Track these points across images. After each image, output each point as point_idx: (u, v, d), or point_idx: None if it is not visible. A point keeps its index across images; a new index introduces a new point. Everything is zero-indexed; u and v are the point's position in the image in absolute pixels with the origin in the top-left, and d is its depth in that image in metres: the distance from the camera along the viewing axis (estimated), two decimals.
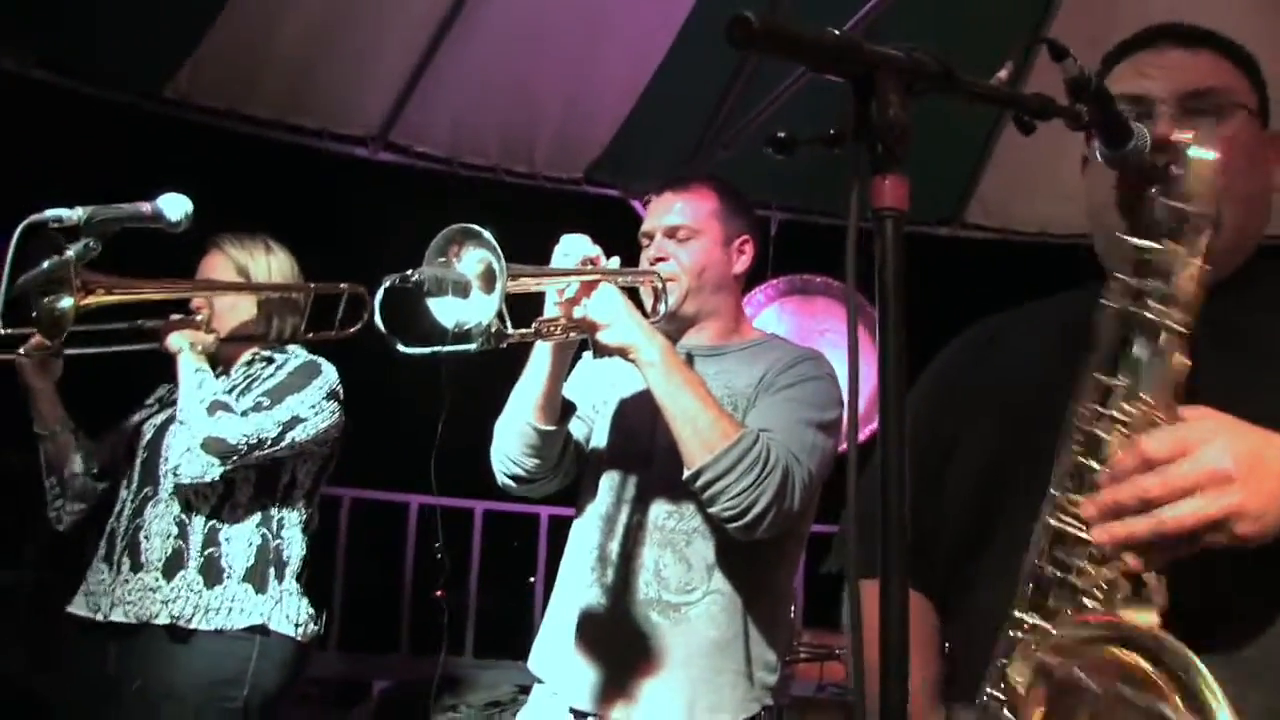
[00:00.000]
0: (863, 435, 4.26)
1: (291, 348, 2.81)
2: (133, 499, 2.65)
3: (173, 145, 5.41)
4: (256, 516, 2.63)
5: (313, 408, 2.64)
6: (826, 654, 4.46)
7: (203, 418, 2.50)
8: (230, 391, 2.65)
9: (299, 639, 2.60)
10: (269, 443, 2.55)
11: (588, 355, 2.34)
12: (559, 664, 2.19)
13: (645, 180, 5.55)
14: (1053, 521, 1.10)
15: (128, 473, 2.70)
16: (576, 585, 2.21)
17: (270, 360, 2.76)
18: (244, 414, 2.54)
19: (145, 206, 1.85)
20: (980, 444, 1.34)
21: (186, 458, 2.50)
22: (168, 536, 2.58)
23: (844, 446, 1.99)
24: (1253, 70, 1.29)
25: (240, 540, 2.59)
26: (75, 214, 1.73)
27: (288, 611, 2.59)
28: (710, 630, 2.08)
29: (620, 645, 2.12)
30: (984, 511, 1.31)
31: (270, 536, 2.63)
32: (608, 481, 2.23)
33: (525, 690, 4.16)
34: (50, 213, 1.71)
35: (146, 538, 2.59)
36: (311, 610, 2.66)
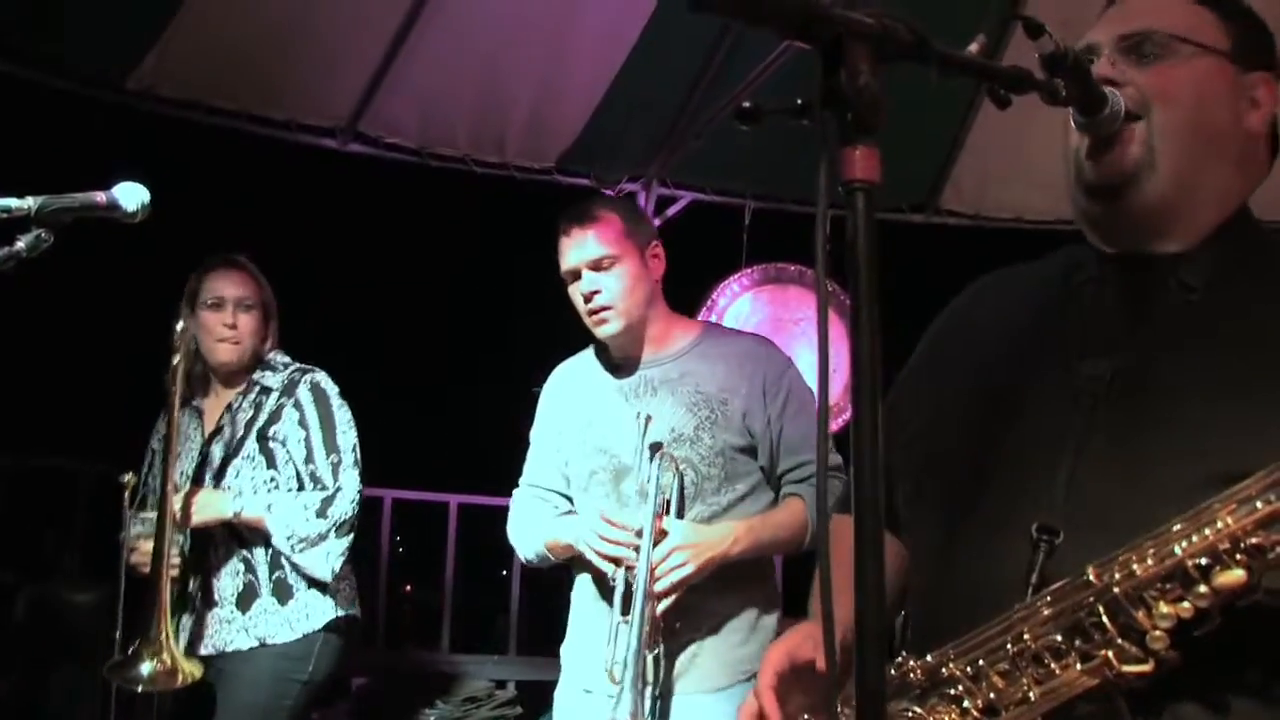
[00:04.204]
0: (835, 426, 4.24)
1: (274, 359, 2.95)
2: (188, 543, 2.82)
3: (136, 138, 5.32)
4: None
5: (350, 423, 2.88)
6: None
7: (329, 546, 2.75)
8: (248, 428, 2.83)
9: (355, 615, 2.91)
10: (360, 483, 2.83)
11: (547, 389, 2.69)
12: (589, 662, 2.43)
13: (618, 169, 5.51)
14: None
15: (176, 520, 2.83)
16: (591, 591, 2.49)
17: (267, 390, 2.89)
18: (336, 491, 2.77)
19: (100, 196, 1.78)
20: (951, 405, 1.36)
21: (323, 567, 2.75)
22: (236, 574, 2.81)
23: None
24: (1228, 12, 1.27)
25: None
26: (26, 203, 1.66)
27: (347, 596, 2.88)
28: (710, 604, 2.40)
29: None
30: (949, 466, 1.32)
31: None
32: (597, 492, 2.49)
33: (501, 685, 4.13)
34: None
35: (217, 579, 2.81)
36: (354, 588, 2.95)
